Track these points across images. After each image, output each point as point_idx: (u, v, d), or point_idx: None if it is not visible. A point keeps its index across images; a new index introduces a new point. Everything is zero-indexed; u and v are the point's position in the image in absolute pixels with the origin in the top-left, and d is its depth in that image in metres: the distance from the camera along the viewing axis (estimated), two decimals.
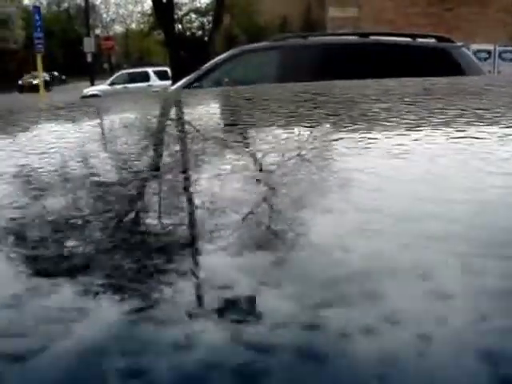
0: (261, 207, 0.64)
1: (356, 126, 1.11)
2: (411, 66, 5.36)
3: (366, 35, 6.39)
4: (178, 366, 0.34)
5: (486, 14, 21.52)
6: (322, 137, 1.05)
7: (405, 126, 1.09)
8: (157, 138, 1.19)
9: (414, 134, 1.02)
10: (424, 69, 4.90)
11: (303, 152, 0.91)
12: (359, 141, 0.96)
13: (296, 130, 1.13)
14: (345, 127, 1.11)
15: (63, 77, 50.12)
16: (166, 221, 0.60)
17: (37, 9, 22.29)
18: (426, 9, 21.14)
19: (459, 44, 6.12)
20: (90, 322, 0.39)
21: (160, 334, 0.37)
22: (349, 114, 1.27)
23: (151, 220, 0.61)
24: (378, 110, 1.32)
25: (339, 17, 20.06)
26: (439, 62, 5.60)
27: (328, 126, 1.15)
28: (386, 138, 1.02)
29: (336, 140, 0.99)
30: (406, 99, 1.52)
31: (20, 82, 44.37)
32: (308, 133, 1.08)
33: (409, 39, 6.17)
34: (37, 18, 21.54)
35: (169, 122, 1.43)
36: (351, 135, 1.04)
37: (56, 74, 48.84)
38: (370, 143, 0.94)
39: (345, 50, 6.02)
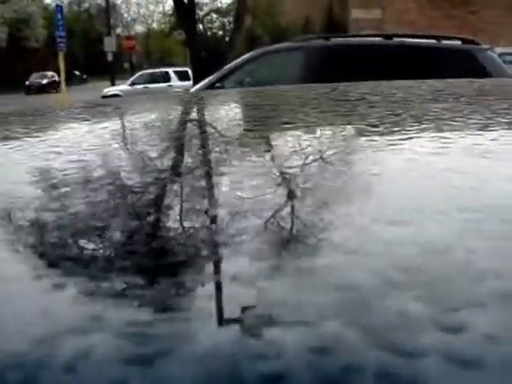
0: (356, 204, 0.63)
1: (423, 126, 1.08)
2: (436, 68, 5.31)
3: (390, 37, 6.31)
4: (317, 369, 0.33)
5: (510, 17, 21.34)
6: (392, 136, 1.01)
7: (474, 125, 1.05)
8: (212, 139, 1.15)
9: (487, 134, 0.99)
10: (449, 71, 4.85)
11: (381, 151, 0.89)
12: (433, 140, 0.94)
13: (363, 129, 1.08)
14: (411, 127, 1.07)
15: (84, 76, 50.20)
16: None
17: (59, 8, 22.35)
18: (450, 11, 20.99)
19: (485, 46, 6.03)
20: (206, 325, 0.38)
21: (294, 336, 0.36)
22: (410, 114, 1.22)
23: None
24: (438, 109, 1.28)
25: (362, 18, 19.98)
26: (464, 65, 5.53)
27: (394, 125, 1.11)
28: (459, 137, 0.99)
29: (407, 139, 0.96)
30: (462, 99, 1.47)
31: (27, 83, 42.88)
32: (378, 132, 1.04)
33: (434, 41, 6.09)
34: (59, 16, 21.64)
35: (224, 124, 1.37)
36: (422, 134, 1.01)
37: (77, 73, 48.88)
38: (446, 142, 0.90)
39: (368, 52, 5.96)
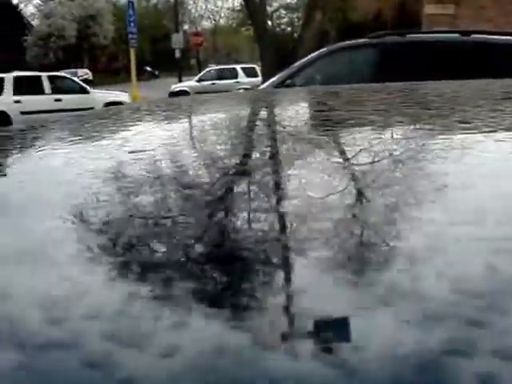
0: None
1: None
2: None
3: (468, 33, 6.08)
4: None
5: None
6: None
7: None
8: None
9: None
10: None
11: None
12: None
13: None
14: None
15: (156, 72, 50.16)
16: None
17: (131, 3, 22.37)
18: None
19: None
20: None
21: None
22: None
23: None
24: None
25: (435, 14, 19.57)
26: None
27: None
28: None
29: None
30: None
31: None
32: None
33: None
34: (130, 12, 21.79)
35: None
36: None
37: (149, 69, 48.85)
38: None
39: (446, 49, 5.75)
